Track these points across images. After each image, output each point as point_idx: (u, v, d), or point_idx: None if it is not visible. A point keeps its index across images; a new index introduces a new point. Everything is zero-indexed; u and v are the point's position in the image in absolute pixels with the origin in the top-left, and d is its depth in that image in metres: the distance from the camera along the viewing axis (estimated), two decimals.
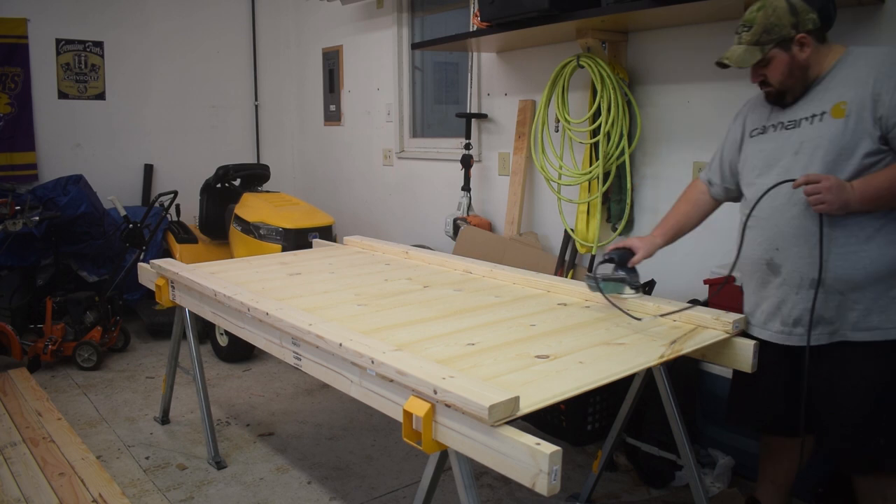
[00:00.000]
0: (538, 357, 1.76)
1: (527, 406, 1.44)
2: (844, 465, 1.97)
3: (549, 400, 1.50)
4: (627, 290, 2.18)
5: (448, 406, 1.45)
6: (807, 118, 1.83)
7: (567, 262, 3.53)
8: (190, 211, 5.00)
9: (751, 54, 1.83)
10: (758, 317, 2.00)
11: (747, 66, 1.85)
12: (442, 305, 2.29)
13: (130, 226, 4.25)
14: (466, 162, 4.04)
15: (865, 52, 1.82)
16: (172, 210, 4.70)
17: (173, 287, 2.80)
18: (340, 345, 1.77)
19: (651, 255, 2.18)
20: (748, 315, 2.04)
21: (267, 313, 2.11)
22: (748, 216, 1.95)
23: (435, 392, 1.47)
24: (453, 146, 4.38)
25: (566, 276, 3.40)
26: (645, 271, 3.24)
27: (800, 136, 1.84)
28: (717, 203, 2.21)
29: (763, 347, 1.95)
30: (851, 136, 1.75)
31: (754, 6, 1.85)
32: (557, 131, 3.40)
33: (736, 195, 2.12)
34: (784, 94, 1.88)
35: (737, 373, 2.07)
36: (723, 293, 2.68)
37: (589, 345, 1.87)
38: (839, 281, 1.80)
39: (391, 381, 1.61)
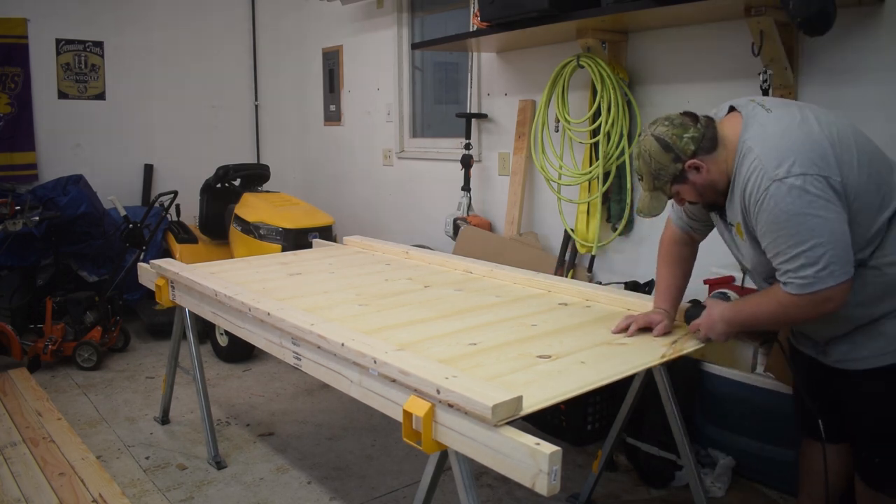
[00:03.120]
0: (540, 357, 1.76)
1: (529, 406, 1.44)
2: (858, 471, 1.95)
3: (551, 400, 1.50)
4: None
5: (451, 406, 1.45)
6: (729, 224, 1.79)
7: (567, 262, 3.53)
8: (190, 211, 5.00)
9: (658, 200, 1.79)
10: None
11: (661, 211, 1.81)
12: (443, 305, 2.29)
13: (130, 226, 4.25)
14: (466, 162, 4.04)
15: (745, 156, 1.64)
16: (172, 210, 4.69)
17: (173, 287, 2.80)
18: (343, 345, 1.77)
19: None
20: None
21: (268, 313, 2.11)
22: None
23: (438, 392, 1.47)
24: (453, 146, 4.38)
25: (566, 276, 3.40)
26: (645, 271, 3.26)
27: (731, 235, 1.82)
28: (697, 245, 2.10)
29: (794, 353, 1.94)
30: (755, 251, 1.72)
31: (634, 152, 1.82)
32: (557, 131, 3.40)
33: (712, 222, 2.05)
34: (714, 205, 1.81)
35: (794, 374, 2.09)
36: None
37: (590, 345, 1.87)
38: (821, 336, 1.80)
39: (393, 380, 1.62)
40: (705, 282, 2.76)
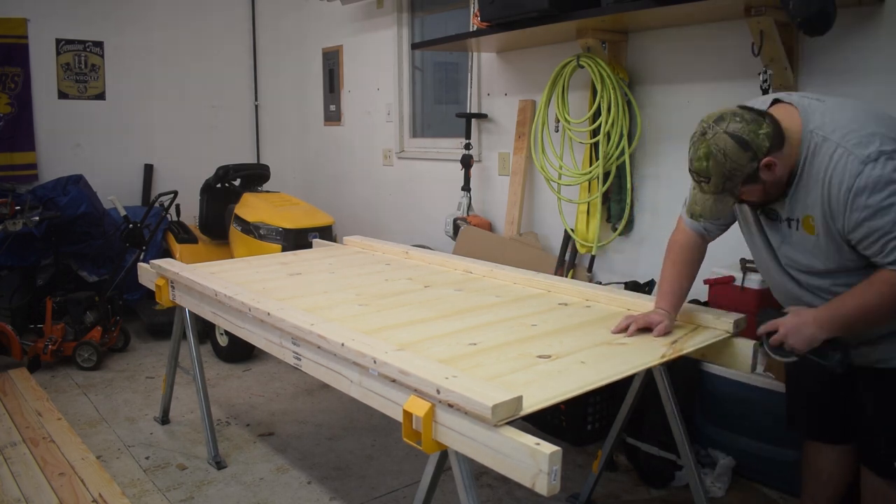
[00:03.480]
0: (540, 357, 1.76)
1: (529, 406, 1.44)
2: (863, 459, 1.93)
3: (551, 400, 1.50)
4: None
5: (451, 406, 1.45)
6: (785, 221, 1.72)
7: (567, 262, 3.53)
8: (190, 211, 5.00)
9: (724, 203, 1.67)
10: None
11: (726, 214, 1.73)
12: (443, 305, 2.29)
13: (130, 226, 4.25)
14: (466, 162, 4.04)
15: (819, 146, 1.60)
16: (172, 210, 4.69)
17: (173, 287, 2.80)
18: (343, 345, 1.77)
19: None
20: None
21: (268, 313, 2.11)
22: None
23: (438, 392, 1.47)
24: (453, 146, 4.38)
25: (566, 276, 3.40)
26: (645, 271, 3.26)
27: (781, 233, 1.75)
28: (706, 247, 2.04)
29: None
30: (827, 246, 1.64)
31: (699, 153, 1.64)
32: (557, 131, 3.40)
33: (731, 222, 1.99)
34: (767, 202, 1.74)
35: (787, 379, 2.07)
36: (723, 293, 2.69)
37: (590, 345, 1.87)
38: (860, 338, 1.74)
39: (393, 380, 1.62)
40: (705, 282, 2.76)
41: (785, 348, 1.73)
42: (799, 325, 1.69)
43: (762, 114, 1.63)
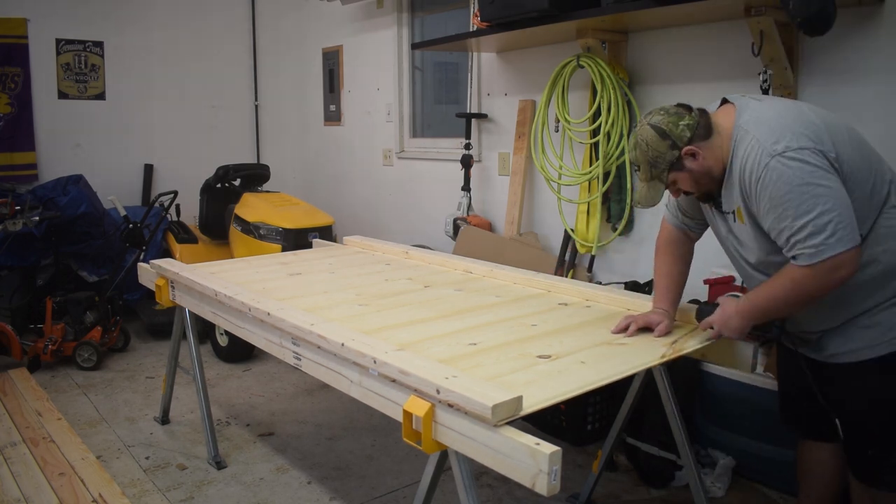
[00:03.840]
0: (540, 357, 1.76)
1: (529, 406, 1.45)
2: (851, 468, 1.95)
3: (551, 400, 1.50)
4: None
5: (451, 406, 1.45)
6: (729, 213, 1.79)
7: (567, 262, 3.53)
8: (190, 211, 5.00)
9: (655, 190, 1.79)
10: None
11: (659, 201, 1.82)
12: (443, 305, 2.29)
13: (130, 226, 4.25)
14: (466, 162, 4.04)
15: (741, 140, 1.67)
16: (172, 210, 4.69)
17: (173, 287, 2.80)
18: (343, 345, 1.77)
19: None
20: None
21: (268, 313, 2.11)
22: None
23: (438, 392, 1.47)
24: (453, 146, 4.38)
25: (566, 276, 3.40)
26: (645, 271, 3.26)
27: (730, 224, 1.82)
28: (694, 243, 2.10)
29: (786, 351, 1.94)
30: (756, 235, 1.72)
31: (630, 143, 1.82)
32: (557, 131, 3.40)
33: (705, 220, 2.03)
34: (709, 194, 1.82)
35: (778, 376, 2.07)
36: (723, 293, 2.68)
37: (590, 345, 1.87)
38: (816, 329, 1.80)
39: (393, 380, 1.62)
40: (705, 282, 2.76)
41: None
42: (725, 318, 1.81)
43: (689, 108, 1.77)
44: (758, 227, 1.70)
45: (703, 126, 1.74)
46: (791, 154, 1.57)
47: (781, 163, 1.57)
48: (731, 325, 1.80)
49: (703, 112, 1.77)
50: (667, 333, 1.95)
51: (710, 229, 2.00)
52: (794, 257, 1.61)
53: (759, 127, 1.65)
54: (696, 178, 1.76)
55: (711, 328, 1.87)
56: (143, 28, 5.35)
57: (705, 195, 1.82)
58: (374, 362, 1.66)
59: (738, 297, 1.90)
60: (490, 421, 1.36)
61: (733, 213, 1.76)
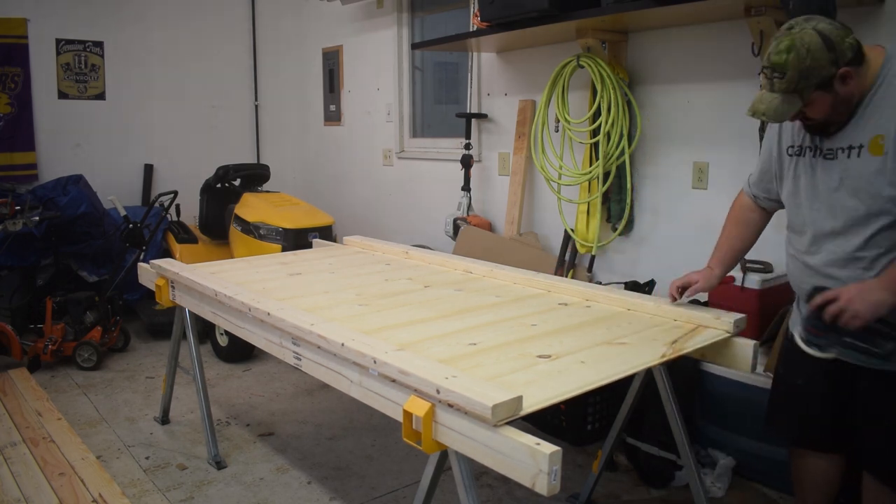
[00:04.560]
0: (540, 357, 1.76)
1: (529, 406, 1.44)
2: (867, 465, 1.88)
3: (551, 399, 1.50)
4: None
5: (451, 406, 1.45)
6: (843, 149, 1.64)
7: (567, 262, 3.53)
8: (190, 211, 5.00)
9: (789, 104, 1.60)
10: (799, 327, 1.87)
11: (788, 118, 1.65)
12: (443, 305, 2.29)
13: (130, 226, 4.25)
14: (466, 162, 4.04)
15: None
16: (172, 210, 4.69)
17: (173, 287, 2.80)
18: (343, 345, 1.77)
19: (712, 289, 2.03)
20: (791, 325, 1.93)
21: (268, 313, 2.11)
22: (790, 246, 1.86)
23: (438, 392, 1.47)
24: (453, 146, 4.38)
25: (566, 276, 3.40)
26: (645, 271, 3.26)
27: (839, 170, 1.67)
28: (768, 216, 2.02)
29: (801, 356, 1.81)
30: (892, 177, 1.56)
31: (780, 46, 1.58)
32: (557, 131, 3.40)
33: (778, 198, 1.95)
34: (828, 125, 1.67)
35: (775, 380, 2.04)
36: (723, 293, 2.69)
37: (590, 344, 1.87)
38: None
39: (393, 380, 1.62)
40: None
41: (839, 324, 1.61)
42: (862, 290, 1.59)
43: (849, 28, 1.61)
44: (883, 164, 1.57)
45: (860, 50, 1.59)
46: None
47: None
48: (871, 298, 1.57)
49: (857, 39, 1.61)
50: (698, 292, 1.94)
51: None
52: None
53: None
54: (835, 104, 1.60)
55: (822, 308, 1.64)
56: (143, 28, 5.35)
57: (823, 125, 1.66)
58: (374, 362, 1.66)
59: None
60: (490, 421, 1.36)
61: (861, 146, 1.61)
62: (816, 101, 1.60)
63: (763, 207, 2.01)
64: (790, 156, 1.81)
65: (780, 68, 1.58)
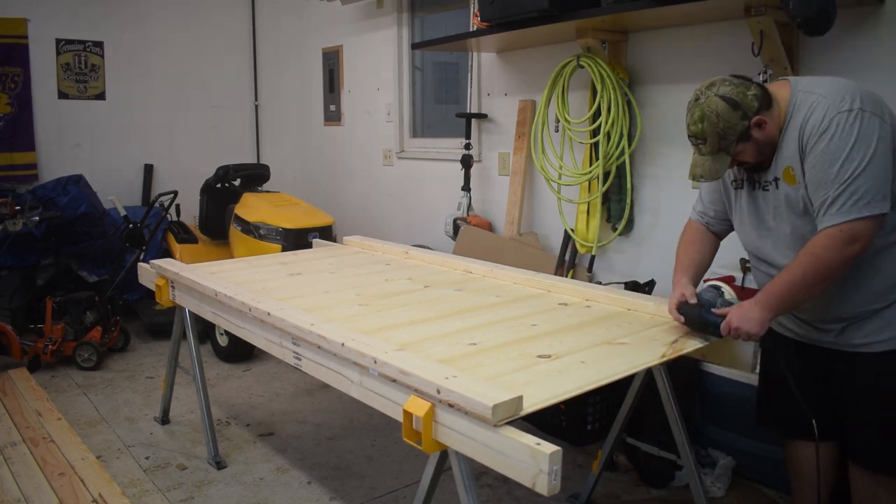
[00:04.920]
0: (540, 357, 1.76)
1: (530, 406, 1.44)
2: (859, 458, 1.93)
3: (551, 399, 1.50)
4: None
5: (451, 406, 1.45)
6: (770, 182, 1.79)
7: (567, 262, 3.53)
8: (190, 211, 5.00)
9: (720, 162, 1.75)
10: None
11: (723, 175, 1.79)
12: (443, 305, 2.29)
13: (130, 226, 4.25)
14: (466, 162, 4.04)
15: (802, 101, 1.70)
16: (172, 210, 4.70)
17: (173, 287, 2.80)
18: (343, 345, 1.77)
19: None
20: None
21: (268, 313, 2.11)
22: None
23: (438, 392, 1.47)
24: (453, 146, 4.38)
25: (566, 276, 3.40)
26: (645, 271, 3.26)
27: (772, 199, 1.81)
28: (718, 240, 2.11)
29: (777, 343, 1.92)
30: (807, 202, 1.70)
31: (694, 117, 1.75)
32: (557, 131, 3.40)
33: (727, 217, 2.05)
34: (761, 163, 1.81)
35: (761, 371, 2.06)
36: None
37: (590, 344, 1.87)
38: (836, 318, 1.80)
39: (393, 380, 1.62)
40: (705, 281, 2.75)
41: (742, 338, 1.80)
42: (742, 313, 1.77)
43: (748, 79, 1.76)
44: (802, 190, 1.70)
45: (764, 96, 1.73)
46: (857, 111, 1.60)
47: (848, 118, 1.60)
48: (751, 316, 1.75)
49: (759, 84, 1.77)
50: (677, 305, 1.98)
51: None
52: (823, 213, 1.63)
53: (823, 87, 1.68)
54: (760, 148, 1.74)
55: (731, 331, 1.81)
56: (144, 28, 5.35)
57: (756, 166, 1.81)
58: (375, 362, 1.66)
59: (719, 287, 1.91)
60: (490, 421, 1.36)
61: (776, 180, 1.76)
62: (743, 151, 1.75)
63: (714, 232, 2.07)
64: (735, 189, 1.93)
65: (700, 136, 1.75)
